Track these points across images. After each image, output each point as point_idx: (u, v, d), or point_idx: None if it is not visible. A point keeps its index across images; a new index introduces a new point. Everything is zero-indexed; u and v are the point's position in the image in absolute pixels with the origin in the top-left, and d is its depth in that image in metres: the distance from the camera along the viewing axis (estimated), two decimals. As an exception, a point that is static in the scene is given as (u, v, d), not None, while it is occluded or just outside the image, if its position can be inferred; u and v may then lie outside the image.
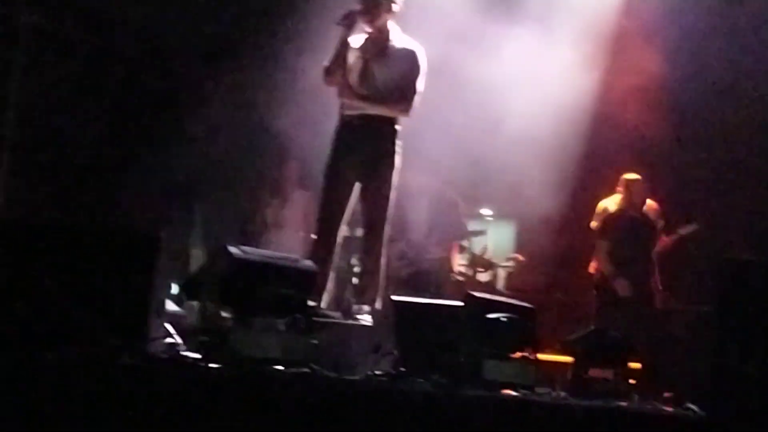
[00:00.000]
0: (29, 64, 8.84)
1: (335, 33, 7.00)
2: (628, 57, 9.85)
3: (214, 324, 5.38)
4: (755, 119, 9.77)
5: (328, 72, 7.02)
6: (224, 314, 5.40)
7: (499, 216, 10.69)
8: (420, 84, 7.04)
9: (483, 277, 10.39)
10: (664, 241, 9.34)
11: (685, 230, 9.26)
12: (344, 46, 6.97)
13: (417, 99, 7.04)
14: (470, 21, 8.68)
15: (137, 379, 4.62)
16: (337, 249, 7.11)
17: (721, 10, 9.73)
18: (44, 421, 4.30)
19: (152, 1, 9.33)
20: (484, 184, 9.79)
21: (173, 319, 6.10)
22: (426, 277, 9.27)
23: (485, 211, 10.52)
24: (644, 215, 9.33)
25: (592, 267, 9.45)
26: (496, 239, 10.79)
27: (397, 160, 7.04)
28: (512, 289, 9.87)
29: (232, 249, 5.43)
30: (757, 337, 4.93)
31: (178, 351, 5.77)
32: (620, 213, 9.34)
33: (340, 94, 7.02)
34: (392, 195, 7.06)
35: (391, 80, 7.00)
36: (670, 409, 5.47)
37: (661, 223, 9.38)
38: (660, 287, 9.11)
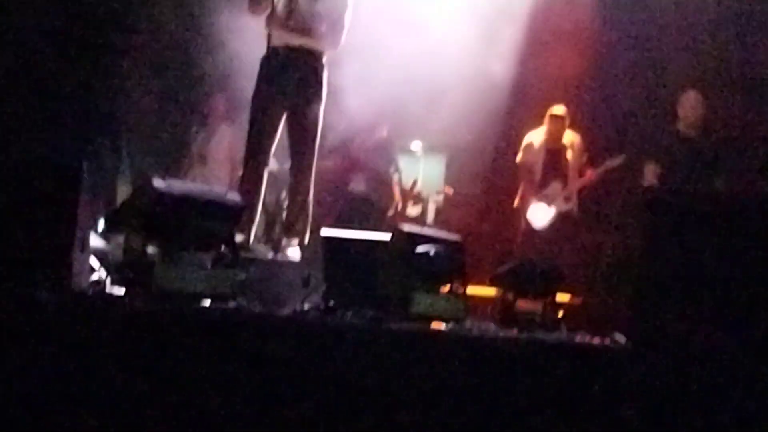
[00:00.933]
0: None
1: None
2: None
3: (139, 258, 5.28)
4: (681, 50, 9.75)
5: (254, 2, 6.89)
6: (149, 249, 5.31)
7: (429, 150, 10.64)
8: (347, 18, 6.96)
9: (413, 210, 10.37)
10: (590, 173, 9.38)
11: (611, 162, 9.29)
12: None
13: (344, 33, 6.98)
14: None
15: (60, 314, 4.54)
16: (266, 182, 7.03)
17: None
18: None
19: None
20: (413, 119, 9.72)
21: (99, 254, 6.00)
22: (356, 210, 9.25)
23: (414, 145, 10.48)
24: (563, 147, 9.39)
25: (517, 200, 9.53)
26: (425, 173, 10.76)
27: (323, 92, 6.97)
28: (441, 223, 9.86)
29: (157, 182, 5.29)
30: (680, 266, 4.95)
31: (103, 286, 5.70)
32: (541, 146, 9.42)
33: (267, 25, 6.89)
34: (321, 126, 7.02)
35: (318, 12, 6.95)
36: (596, 340, 5.49)
37: (585, 156, 9.43)
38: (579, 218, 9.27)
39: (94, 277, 5.78)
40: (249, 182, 6.90)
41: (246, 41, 7.58)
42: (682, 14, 9.72)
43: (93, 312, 4.66)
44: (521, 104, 10.13)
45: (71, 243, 5.12)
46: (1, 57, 8.80)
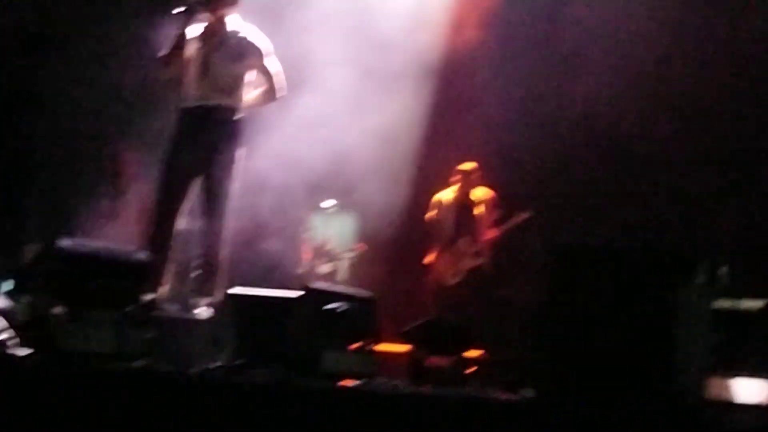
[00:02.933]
0: None
1: (171, 23, 6.89)
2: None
3: (45, 318, 5.24)
4: (591, 101, 9.93)
5: (165, 63, 6.90)
6: (55, 309, 5.27)
7: (341, 208, 10.68)
8: (273, 66, 7.03)
9: (324, 268, 10.39)
10: (497, 229, 9.51)
11: (517, 218, 9.43)
12: (182, 37, 6.85)
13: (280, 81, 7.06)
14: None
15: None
16: (176, 241, 6.99)
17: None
18: None
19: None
20: (326, 176, 9.76)
21: (5, 314, 5.92)
22: (268, 269, 9.23)
23: (327, 203, 10.52)
24: (473, 203, 9.53)
25: (429, 257, 9.62)
26: (337, 231, 10.79)
27: (240, 151, 6.96)
28: (353, 280, 9.89)
29: (63, 240, 5.31)
30: (585, 321, 5.03)
31: (9, 346, 5.62)
32: (450, 201, 9.55)
33: (180, 85, 6.89)
34: (233, 186, 6.98)
35: (235, 71, 6.96)
36: (504, 395, 5.54)
37: (496, 213, 9.56)
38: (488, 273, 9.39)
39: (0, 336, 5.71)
40: (158, 241, 6.84)
41: (158, 99, 7.60)
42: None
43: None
44: (431, 161, 10.21)
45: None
46: None
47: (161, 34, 7.11)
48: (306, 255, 10.06)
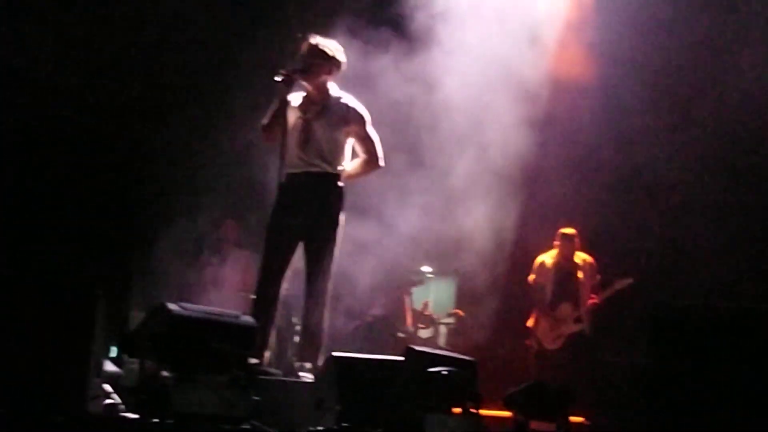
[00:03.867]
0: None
1: (272, 90, 7.01)
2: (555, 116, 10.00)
3: (154, 382, 5.33)
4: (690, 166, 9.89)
5: (266, 129, 7.02)
6: (164, 372, 5.35)
7: (440, 273, 10.72)
8: (372, 133, 7.10)
9: (424, 333, 10.41)
10: (600, 294, 9.45)
11: (620, 284, 9.37)
12: (283, 104, 6.96)
13: (378, 149, 7.10)
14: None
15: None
16: (279, 306, 7.06)
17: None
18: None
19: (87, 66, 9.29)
20: (424, 241, 9.80)
21: (112, 379, 6.04)
22: (370, 333, 9.27)
23: (425, 268, 10.56)
24: (575, 267, 9.49)
25: (530, 321, 9.59)
26: (436, 296, 10.82)
27: (342, 217, 7.03)
28: (453, 345, 9.89)
29: (171, 305, 5.39)
30: (691, 383, 4.98)
31: (118, 411, 5.72)
32: (553, 266, 9.53)
33: (282, 151, 6.99)
34: (336, 251, 7.02)
35: (335, 139, 7.02)
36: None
37: (597, 278, 9.53)
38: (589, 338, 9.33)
39: (108, 401, 5.82)
40: (262, 306, 6.90)
41: (259, 167, 7.71)
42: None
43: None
44: (531, 226, 10.21)
45: (86, 368, 5.19)
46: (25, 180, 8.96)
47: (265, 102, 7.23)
48: (409, 318, 10.10)
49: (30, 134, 9.14)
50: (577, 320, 9.46)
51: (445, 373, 5.70)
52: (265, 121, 7.02)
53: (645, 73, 10.02)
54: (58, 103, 9.10)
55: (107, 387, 5.88)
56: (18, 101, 9.03)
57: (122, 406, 5.81)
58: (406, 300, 10.21)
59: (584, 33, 9.83)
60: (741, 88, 9.51)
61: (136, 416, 5.38)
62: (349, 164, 7.12)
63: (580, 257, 9.60)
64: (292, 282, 7.51)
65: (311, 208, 6.92)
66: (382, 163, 7.19)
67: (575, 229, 9.63)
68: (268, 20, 9.45)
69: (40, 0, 9.23)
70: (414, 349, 5.93)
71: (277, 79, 6.90)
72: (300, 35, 7.12)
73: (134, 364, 5.95)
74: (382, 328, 9.62)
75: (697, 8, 9.71)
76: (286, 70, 6.92)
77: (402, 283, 10.07)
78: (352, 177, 7.13)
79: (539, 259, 9.70)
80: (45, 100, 9.02)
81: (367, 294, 9.34)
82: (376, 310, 9.55)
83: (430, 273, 10.61)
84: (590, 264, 9.60)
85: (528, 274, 9.74)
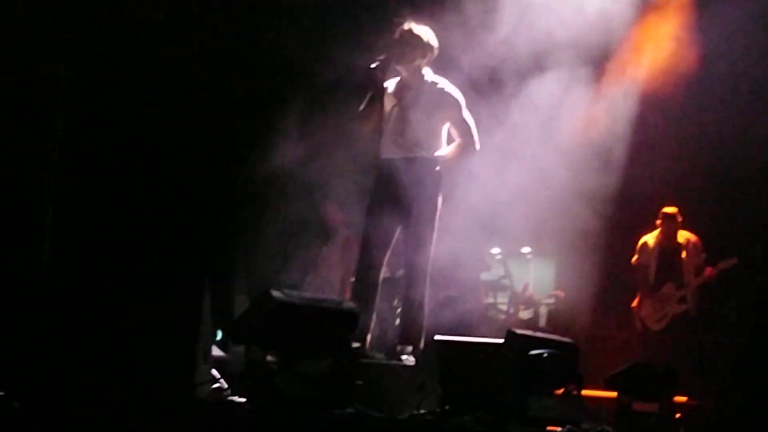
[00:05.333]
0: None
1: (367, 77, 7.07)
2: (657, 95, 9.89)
3: (259, 368, 5.45)
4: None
5: (364, 116, 7.09)
6: (269, 357, 5.48)
7: (540, 254, 10.72)
8: (468, 118, 7.11)
9: (525, 314, 10.43)
10: (706, 273, 9.37)
11: (725, 264, 9.28)
12: (380, 90, 7.02)
13: (475, 133, 7.11)
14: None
15: (186, 423, 4.72)
16: (380, 290, 7.14)
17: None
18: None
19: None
20: (526, 223, 9.78)
21: (219, 364, 6.18)
22: (469, 316, 9.31)
23: (525, 249, 10.57)
24: (679, 247, 9.42)
25: (634, 302, 9.55)
26: (536, 277, 10.83)
27: (439, 201, 7.07)
28: (554, 326, 9.89)
29: (275, 292, 5.48)
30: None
31: (225, 395, 5.86)
32: (656, 246, 9.47)
33: (379, 138, 7.05)
34: (434, 236, 7.06)
35: (429, 123, 7.04)
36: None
37: (702, 256, 9.44)
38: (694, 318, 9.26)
39: (215, 386, 5.96)
40: (362, 290, 7.00)
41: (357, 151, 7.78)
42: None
43: (218, 420, 4.83)
44: (631, 205, 10.13)
45: (194, 354, 5.34)
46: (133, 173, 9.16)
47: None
48: (483, 297, 10.10)
49: (131, 126, 9.40)
50: (682, 300, 9.40)
51: (546, 354, 5.74)
52: (362, 108, 7.10)
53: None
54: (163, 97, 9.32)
55: (214, 372, 6.02)
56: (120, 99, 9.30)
57: (228, 391, 5.93)
58: (504, 282, 10.24)
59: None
60: None
61: (242, 400, 5.52)
62: (445, 149, 7.15)
63: (684, 236, 9.52)
64: (393, 265, 7.61)
65: (409, 193, 6.96)
66: (477, 147, 7.19)
67: (678, 207, 9.53)
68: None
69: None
70: (515, 332, 5.94)
71: (373, 66, 6.97)
72: (395, 20, 7.17)
73: (240, 349, 6.09)
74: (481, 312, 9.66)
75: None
76: (382, 57, 7.00)
77: (473, 266, 10.02)
78: (449, 162, 7.12)
79: (642, 239, 9.65)
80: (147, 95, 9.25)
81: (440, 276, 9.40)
82: (450, 291, 9.53)
83: (529, 254, 10.62)
84: (694, 243, 9.51)
85: (631, 255, 9.69)
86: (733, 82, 9.92)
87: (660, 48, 9.67)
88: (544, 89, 8.60)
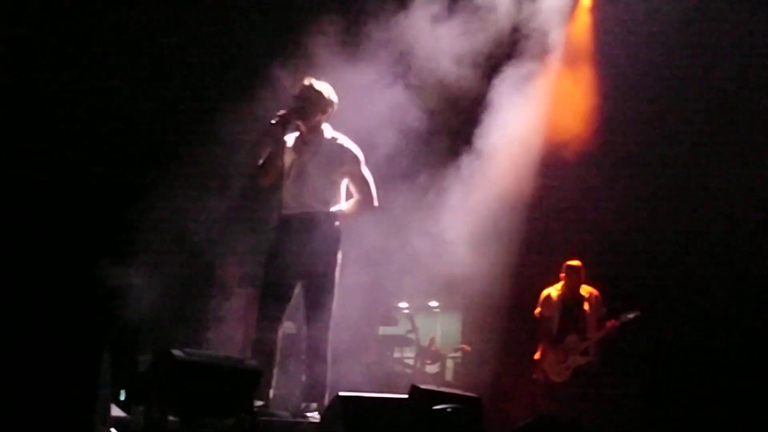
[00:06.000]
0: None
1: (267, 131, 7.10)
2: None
3: (161, 428, 5.41)
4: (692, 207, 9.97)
5: (263, 171, 7.10)
6: (171, 417, 5.43)
7: (446, 306, 10.77)
8: (366, 173, 7.16)
9: (432, 368, 10.46)
10: (608, 325, 9.51)
11: (627, 316, 9.42)
12: (278, 145, 7.02)
13: (373, 190, 7.17)
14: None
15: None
16: (279, 346, 7.08)
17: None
18: None
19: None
20: (431, 278, 9.83)
21: (119, 425, 6.09)
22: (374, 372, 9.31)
23: (433, 303, 10.63)
24: (581, 300, 9.56)
25: (537, 354, 9.64)
26: (443, 331, 10.87)
27: (339, 254, 7.08)
28: (461, 380, 9.93)
29: (175, 351, 5.47)
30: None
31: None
32: (559, 299, 9.59)
33: (279, 194, 7.04)
34: (335, 291, 7.05)
35: (331, 180, 7.09)
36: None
37: (603, 310, 9.58)
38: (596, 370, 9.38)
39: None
40: (263, 347, 6.93)
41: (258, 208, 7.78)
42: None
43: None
44: (535, 259, 10.26)
45: (93, 415, 5.26)
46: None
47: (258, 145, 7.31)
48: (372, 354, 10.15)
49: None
50: (584, 352, 9.51)
51: (450, 410, 5.76)
52: (261, 162, 7.11)
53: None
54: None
55: (114, 432, 5.94)
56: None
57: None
58: (411, 336, 10.28)
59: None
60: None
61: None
62: (344, 204, 7.18)
63: (586, 290, 9.66)
64: (298, 321, 7.57)
65: (308, 248, 6.95)
66: (376, 203, 7.24)
67: (581, 260, 9.68)
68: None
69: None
70: (419, 387, 5.98)
71: (273, 121, 6.98)
72: (295, 76, 7.22)
73: (141, 409, 6.02)
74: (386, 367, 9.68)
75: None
76: (282, 112, 7.02)
77: (375, 321, 10.08)
78: (347, 217, 7.16)
79: (545, 292, 9.76)
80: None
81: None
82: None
83: (436, 308, 10.67)
84: (596, 296, 9.65)
85: (534, 308, 9.79)
86: (635, 149, 10.18)
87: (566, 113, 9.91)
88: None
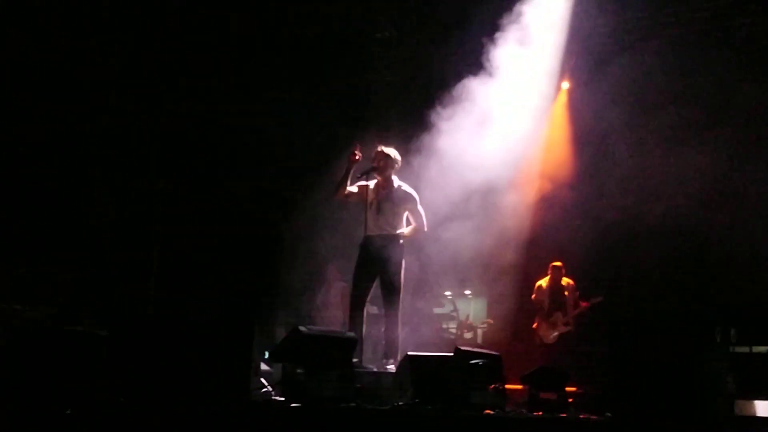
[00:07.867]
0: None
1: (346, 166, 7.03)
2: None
3: (293, 377, 5.45)
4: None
5: (337, 188, 7.05)
6: (298, 370, 5.47)
7: (476, 293, 10.71)
8: (420, 210, 7.15)
9: (467, 336, 10.40)
10: (581, 305, 9.43)
11: (593, 300, 9.35)
12: (347, 175, 6.97)
13: (424, 220, 7.14)
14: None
15: (244, 418, 4.69)
16: (367, 321, 7.09)
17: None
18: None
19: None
20: (466, 271, 9.71)
21: (266, 375, 6.15)
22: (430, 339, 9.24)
23: (467, 291, 10.60)
24: (562, 288, 9.50)
25: (534, 324, 9.59)
26: (474, 310, 10.80)
27: (403, 261, 7.08)
28: (487, 343, 9.84)
29: (302, 328, 5.55)
30: (643, 366, 5.05)
31: (270, 396, 5.83)
32: (547, 288, 9.54)
33: (364, 218, 7.04)
34: (401, 285, 7.05)
35: (398, 213, 7.10)
36: (594, 417, 5.46)
37: (577, 294, 9.50)
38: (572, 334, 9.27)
39: (263, 390, 5.92)
40: (354, 323, 6.95)
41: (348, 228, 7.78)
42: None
43: (266, 414, 4.80)
44: (533, 261, 10.12)
45: (248, 370, 5.31)
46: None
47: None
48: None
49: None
50: (566, 324, 9.43)
51: (481, 363, 5.75)
52: (337, 180, 7.07)
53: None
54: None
55: (263, 381, 6.00)
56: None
57: (273, 392, 5.90)
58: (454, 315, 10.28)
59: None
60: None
61: (281, 400, 5.49)
62: (405, 229, 7.18)
63: (566, 281, 9.58)
64: (379, 305, 7.57)
65: (383, 257, 6.98)
66: (426, 229, 7.24)
67: (561, 261, 9.60)
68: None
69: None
70: (460, 348, 5.97)
71: (361, 172, 7.06)
72: (376, 144, 7.25)
73: (279, 365, 6.07)
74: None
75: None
76: (368, 169, 7.09)
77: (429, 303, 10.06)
78: (407, 237, 7.17)
79: (538, 282, 9.70)
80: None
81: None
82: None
83: (470, 294, 10.60)
84: (572, 286, 9.58)
85: (531, 294, 9.72)
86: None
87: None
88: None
